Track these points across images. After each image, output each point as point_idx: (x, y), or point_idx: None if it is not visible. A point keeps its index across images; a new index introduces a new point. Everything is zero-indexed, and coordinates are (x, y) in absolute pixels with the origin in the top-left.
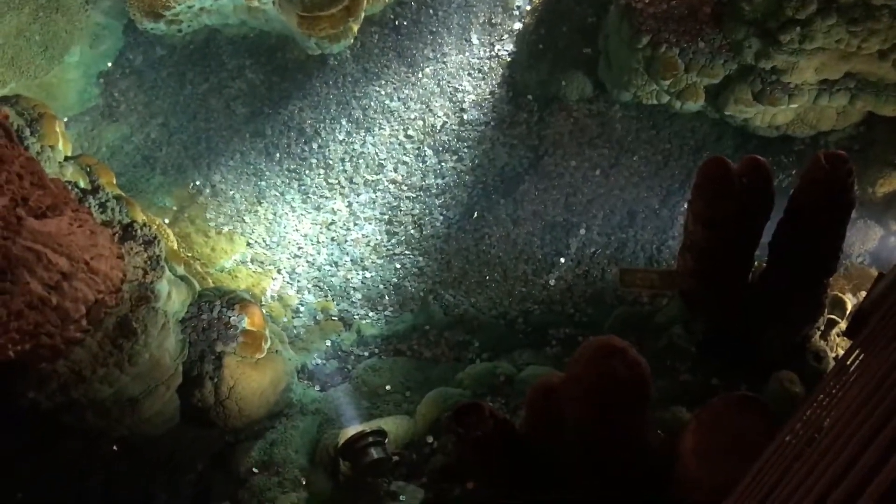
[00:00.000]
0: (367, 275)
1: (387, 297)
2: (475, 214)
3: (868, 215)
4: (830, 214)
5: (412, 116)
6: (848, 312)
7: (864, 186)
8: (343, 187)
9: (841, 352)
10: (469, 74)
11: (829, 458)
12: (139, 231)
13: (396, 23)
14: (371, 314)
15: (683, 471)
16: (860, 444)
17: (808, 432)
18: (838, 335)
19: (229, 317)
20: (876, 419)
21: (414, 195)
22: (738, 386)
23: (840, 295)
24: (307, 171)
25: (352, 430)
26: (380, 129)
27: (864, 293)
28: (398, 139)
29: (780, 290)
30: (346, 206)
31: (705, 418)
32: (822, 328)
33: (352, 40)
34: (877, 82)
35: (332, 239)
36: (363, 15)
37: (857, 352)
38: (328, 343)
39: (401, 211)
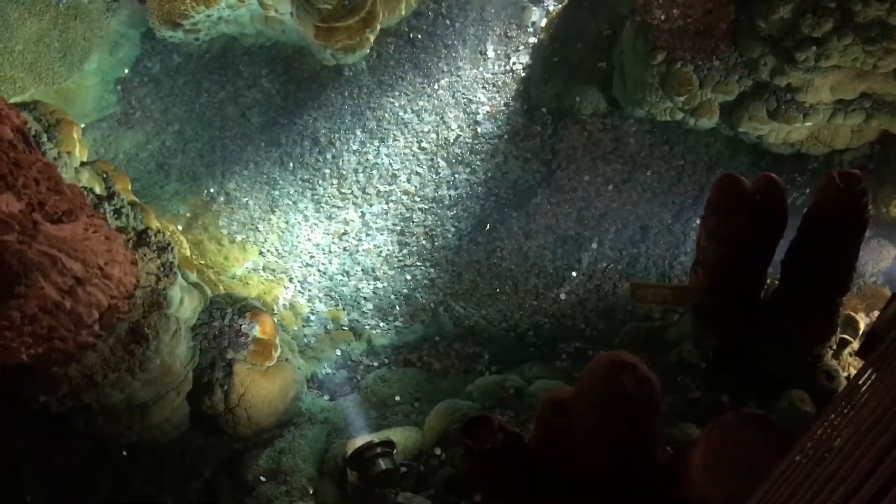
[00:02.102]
0: (379, 285)
1: (397, 308)
2: (487, 227)
3: (882, 235)
4: (844, 233)
5: (426, 128)
6: (860, 332)
7: (878, 206)
8: (356, 197)
9: (853, 371)
10: (483, 87)
11: (839, 477)
12: (153, 237)
13: (412, 35)
14: (381, 324)
15: (692, 487)
16: (871, 464)
17: (818, 452)
18: (850, 355)
19: (240, 324)
20: (887, 440)
21: (426, 206)
22: (748, 403)
23: (853, 314)
24: (320, 181)
25: (360, 440)
26: (394, 140)
27: (876, 313)
28: (412, 150)
29: (792, 309)
30: (359, 217)
31: (715, 435)
32: (835, 347)
33: (367, 51)
34: (892, 102)
35: (344, 249)
36: (379, 27)
37: (869, 372)
38: (338, 352)
39: (413, 222)
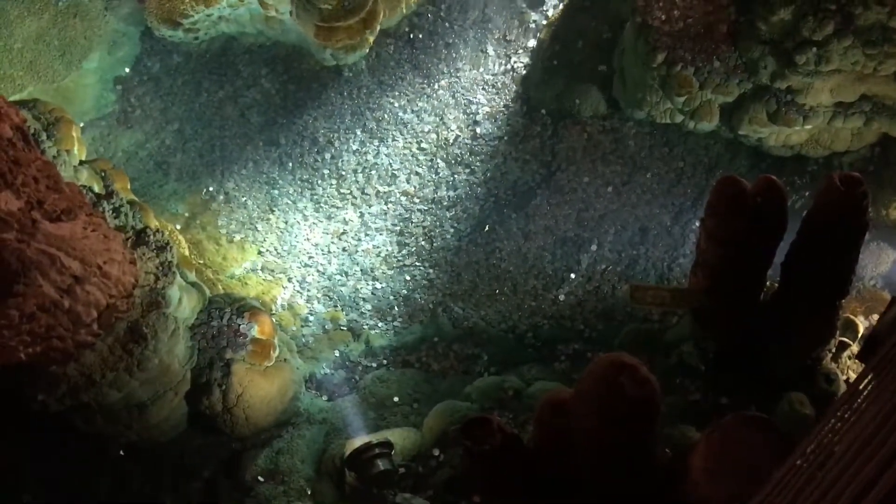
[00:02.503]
0: (377, 286)
1: (396, 309)
2: (486, 228)
3: (881, 238)
4: (844, 236)
5: (426, 129)
6: (860, 335)
7: (878, 209)
8: (355, 198)
9: (852, 375)
10: (483, 88)
11: (842, 484)
12: (152, 237)
13: (412, 35)
14: (380, 325)
15: (693, 489)
16: (875, 472)
17: (819, 456)
18: (850, 358)
19: (239, 324)
20: (890, 448)
21: (426, 207)
22: (747, 406)
23: (852, 317)
24: (320, 181)
25: (358, 440)
26: (393, 140)
27: (876, 316)
28: (411, 151)
29: (791, 311)
30: (358, 217)
31: (715, 437)
32: (834, 350)
33: (367, 52)
34: (892, 105)
35: (343, 249)
36: (379, 27)
37: (869, 376)
38: (336, 353)
39: (412, 222)
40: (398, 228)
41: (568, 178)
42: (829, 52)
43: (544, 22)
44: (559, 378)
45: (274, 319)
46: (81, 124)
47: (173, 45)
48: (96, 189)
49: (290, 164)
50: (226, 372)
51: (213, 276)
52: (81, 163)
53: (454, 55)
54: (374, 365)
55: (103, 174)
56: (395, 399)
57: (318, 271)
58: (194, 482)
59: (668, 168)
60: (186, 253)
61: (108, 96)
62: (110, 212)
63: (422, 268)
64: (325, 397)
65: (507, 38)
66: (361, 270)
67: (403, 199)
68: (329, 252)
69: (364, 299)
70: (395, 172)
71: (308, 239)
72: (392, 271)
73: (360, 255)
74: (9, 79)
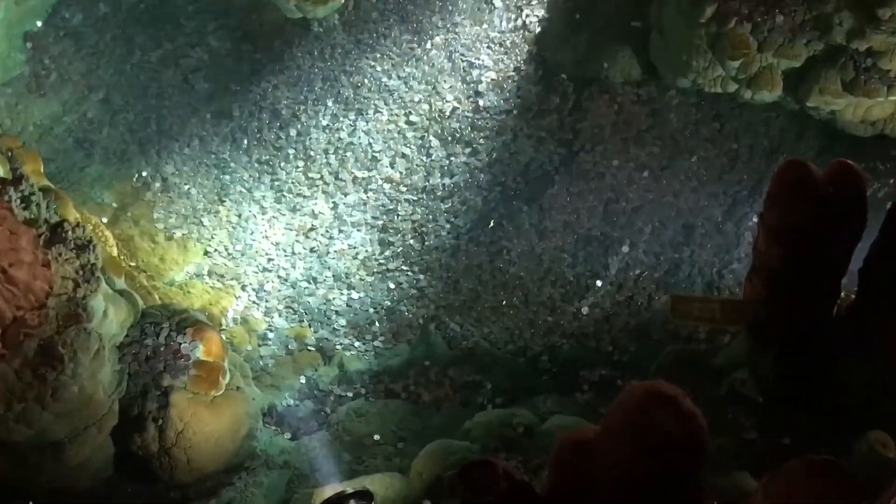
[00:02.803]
0: (354, 295)
1: (377, 324)
2: (491, 223)
3: None
4: None
5: (415, 98)
6: None
7: None
8: (326, 185)
9: None
10: (488, 48)
11: None
12: (71, 233)
13: None
14: (357, 344)
15: None
16: None
17: None
18: None
19: (180, 343)
20: None
21: (415, 197)
22: (816, 448)
23: None
24: (282, 164)
25: (329, 489)
26: (374, 113)
27: None
28: (397, 126)
29: (871, 328)
30: (330, 209)
31: (775, 488)
32: None
33: (342, 2)
34: None
35: (311, 249)
36: None
37: None
38: (302, 379)
39: (398, 216)
40: (380, 223)
41: (593, 161)
42: None
43: None
44: (581, 412)
45: (224, 337)
46: None
47: None
48: (1, 173)
49: (246, 143)
50: (163, 403)
51: (148, 282)
52: None
53: (451, 6)
54: (350, 394)
55: (10, 154)
56: (376, 437)
57: (279, 277)
58: None
59: (719, 150)
60: (114, 253)
61: (15, 56)
62: (18, 201)
63: (410, 273)
64: (287, 435)
65: None
66: (334, 276)
67: (387, 186)
68: (293, 253)
69: (337, 312)
70: (377, 154)
71: (267, 236)
72: (372, 277)
73: (333, 256)
74: None
